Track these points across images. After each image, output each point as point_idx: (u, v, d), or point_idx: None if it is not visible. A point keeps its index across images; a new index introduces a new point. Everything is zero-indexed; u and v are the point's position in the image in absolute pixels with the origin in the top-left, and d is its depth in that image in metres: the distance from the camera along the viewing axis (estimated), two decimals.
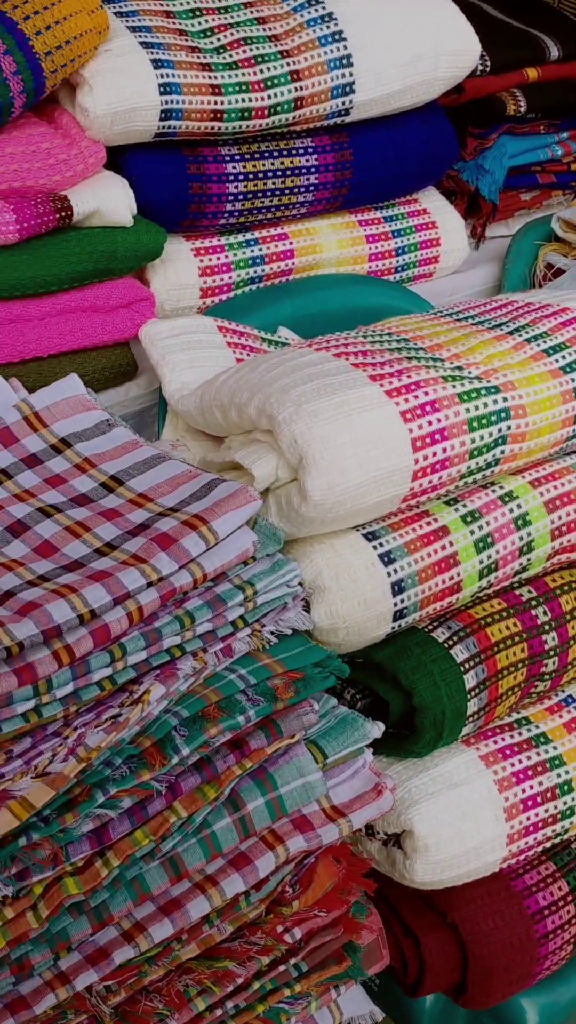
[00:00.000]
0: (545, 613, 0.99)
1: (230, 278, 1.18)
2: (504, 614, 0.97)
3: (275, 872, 0.81)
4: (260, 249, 1.20)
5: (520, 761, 0.99)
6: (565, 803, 1.00)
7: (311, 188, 1.20)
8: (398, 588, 0.89)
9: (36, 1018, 0.72)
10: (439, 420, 0.88)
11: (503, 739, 1.00)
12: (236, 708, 0.80)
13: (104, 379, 1.07)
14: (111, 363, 1.07)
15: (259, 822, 0.80)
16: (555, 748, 1.01)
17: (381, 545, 0.89)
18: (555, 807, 0.99)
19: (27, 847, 0.71)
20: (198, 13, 1.08)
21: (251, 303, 1.18)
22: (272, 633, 0.85)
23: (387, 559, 0.89)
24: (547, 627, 0.99)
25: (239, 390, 0.90)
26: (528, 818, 0.98)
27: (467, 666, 0.93)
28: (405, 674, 0.90)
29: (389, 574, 0.89)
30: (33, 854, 0.71)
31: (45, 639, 0.72)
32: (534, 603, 1.00)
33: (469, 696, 0.93)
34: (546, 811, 0.99)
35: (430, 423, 0.88)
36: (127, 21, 1.02)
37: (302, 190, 1.19)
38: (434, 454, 0.88)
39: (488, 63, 1.44)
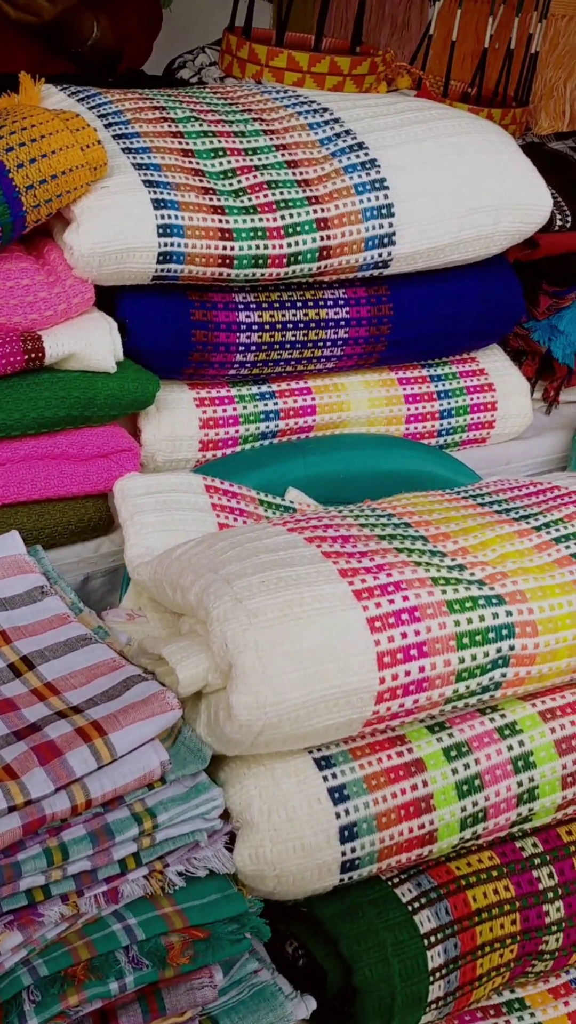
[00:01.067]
0: (550, 876, 0.80)
1: (236, 432, 1.07)
2: (495, 873, 0.79)
3: None
4: (276, 403, 1.09)
5: None
6: None
7: (339, 343, 1.08)
8: (348, 834, 0.72)
9: None
10: (418, 632, 0.73)
11: None
12: (111, 970, 0.64)
13: (71, 533, 0.96)
14: (80, 516, 0.96)
15: None
16: None
17: (334, 776, 0.73)
18: None
19: None
20: (221, 153, 1.00)
21: (257, 459, 1.06)
22: (180, 874, 0.69)
23: (339, 795, 0.73)
24: (551, 894, 0.80)
25: (186, 569, 0.77)
26: None
27: (433, 939, 0.75)
28: (348, 941, 0.73)
29: (339, 815, 0.72)
30: None
31: None
32: (537, 861, 0.81)
33: (432, 978, 0.74)
34: None
35: (404, 635, 0.73)
36: (134, 157, 0.95)
37: (328, 344, 1.08)
38: (407, 673, 0.72)
39: (569, 218, 1.33)
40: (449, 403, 1.21)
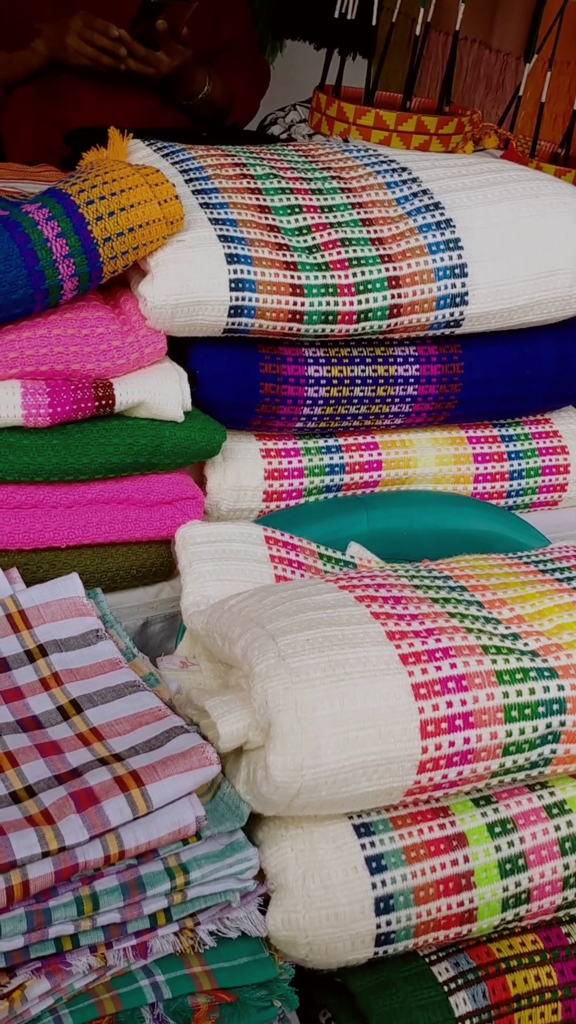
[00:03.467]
0: None
1: (301, 484, 1.07)
2: (538, 959, 0.76)
3: None
4: (342, 456, 1.09)
5: None
6: None
7: (408, 400, 1.08)
8: (385, 906, 0.71)
9: None
10: (464, 702, 0.71)
11: None
12: None
13: (131, 577, 0.97)
14: (142, 561, 0.97)
15: None
16: None
17: (373, 845, 0.72)
18: None
19: None
20: (297, 210, 1.02)
21: (320, 511, 1.06)
22: (212, 934, 0.68)
23: (376, 865, 0.71)
24: None
25: (236, 622, 0.77)
26: None
27: (469, 1023, 0.72)
28: (380, 1019, 0.71)
29: (375, 885, 0.71)
30: None
31: None
32: None
33: None
34: None
35: (451, 704, 0.71)
36: (212, 212, 0.97)
37: (397, 401, 1.08)
38: (452, 744, 0.71)
39: None
40: (520, 464, 1.19)
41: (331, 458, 1.09)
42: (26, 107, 2.07)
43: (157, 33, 1.82)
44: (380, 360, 1.06)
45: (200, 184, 1.02)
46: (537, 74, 1.63)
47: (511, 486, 1.19)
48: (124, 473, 0.95)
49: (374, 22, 1.52)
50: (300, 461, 1.07)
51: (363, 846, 0.71)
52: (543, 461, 1.21)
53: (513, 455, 1.19)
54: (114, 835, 0.65)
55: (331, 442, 1.09)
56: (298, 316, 0.98)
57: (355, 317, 1.00)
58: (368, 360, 1.06)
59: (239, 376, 1.00)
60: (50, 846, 0.63)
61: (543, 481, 1.21)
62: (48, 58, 1.93)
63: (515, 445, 1.20)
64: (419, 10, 1.80)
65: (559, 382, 1.19)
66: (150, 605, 1.00)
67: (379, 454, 1.11)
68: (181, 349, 1.00)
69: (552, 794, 0.77)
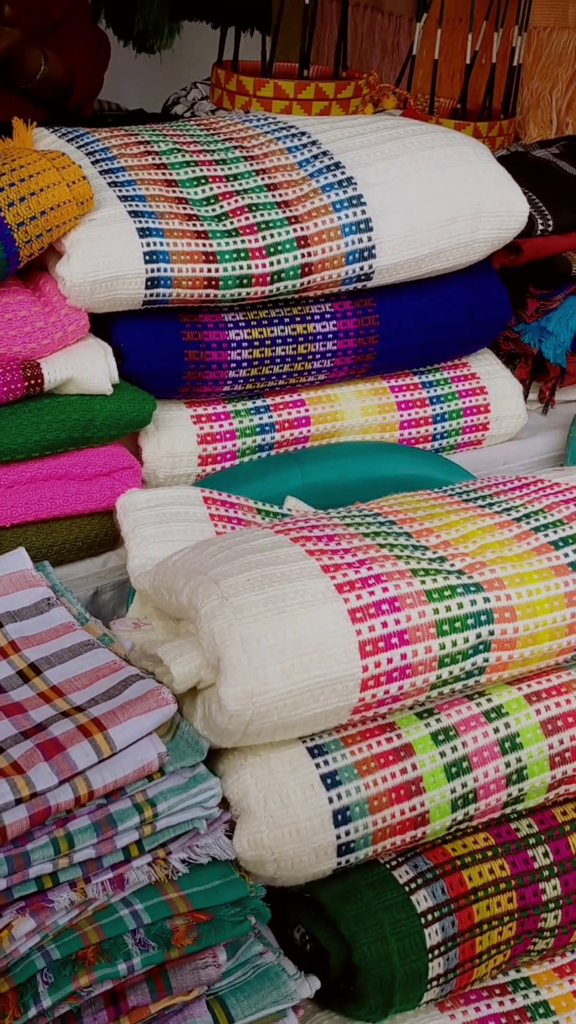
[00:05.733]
0: (546, 855, 0.83)
1: (234, 446, 1.11)
2: (489, 853, 0.82)
3: None
4: (271, 416, 1.13)
5: None
6: None
7: (328, 355, 1.13)
8: (343, 817, 0.76)
9: None
10: (397, 621, 0.77)
11: (488, 1006, 0.83)
12: (119, 952, 0.68)
13: (78, 549, 1.01)
14: (86, 533, 1.01)
15: None
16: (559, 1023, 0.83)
17: (326, 762, 0.77)
18: None
19: None
20: (203, 181, 1.06)
21: (255, 471, 1.10)
22: (184, 861, 0.73)
23: (331, 781, 0.76)
24: (547, 872, 0.82)
25: (179, 573, 0.81)
26: None
27: (431, 917, 0.77)
28: (347, 922, 0.76)
29: (331, 799, 0.76)
30: None
31: None
32: (532, 841, 0.84)
33: (431, 955, 0.77)
34: None
35: (385, 624, 0.76)
36: (120, 190, 1.01)
37: (318, 357, 1.12)
38: (390, 661, 0.76)
39: (551, 222, 1.36)
40: (442, 408, 1.25)
41: (260, 418, 1.13)
42: None
43: None
44: (298, 319, 1.11)
45: (107, 164, 1.05)
46: (429, 33, 1.68)
47: (435, 429, 1.25)
48: (60, 449, 0.98)
49: None
50: (231, 424, 1.11)
51: (317, 765, 0.76)
52: (464, 403, 1.27)
53: (434, 400, 1.25)
54: (82, 778, 0.69)
55: (259, 403, 1.14)
56: (214, 282, 1.02)
57: (268, 279, 1.04)
58: (286, 320, 1.10)
59: (163, 346, 1.04)
60: (22, 793, 0.67)
61: (465, 422, 1.27)
62: None
63: (436, 390, 1.25)
64: None
65: (473, 326, 1.24)
66: (98, 575, 1.04)
67: (306, 410, 1.16)
68: (103, 325, 1.04)
69: (489, 700, 0.82)
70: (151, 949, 0.69)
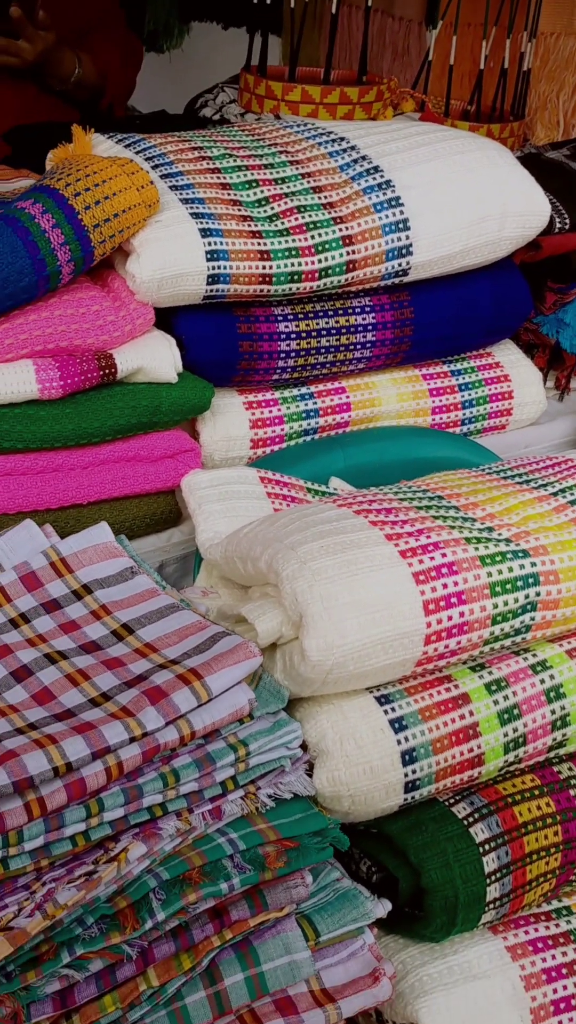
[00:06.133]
0: None
1: (282, 430, 1.20)
2: (536, 792, 0.91)
3: None
4: (315, 403, 1.22)
5: (553, 956, 0.91)
6: None
7: (368, 346, 1.22)
8: (409, 757, 0.85)
9: None
10: (456, 583, 0.86)
11: (536, 929, 0.92)
12: (220, 874, 0.77)
13: (146, 525, 1.09)
14: (153, 510, 1.09)
15: (236, 999, 0.76)
16: None
17: (393, 709, 0.86)
18: None
19: None
20: (254, 184, 1.14)
21: (302, 453, 1.19)
22: (270, 796, 0.82)
23: (399, 725, 0.85)
24: None
25: (255, 543, 0.90)
26: (560, 1023, 0.89)
27: (488, 847, 0.87)
28: (415, 851, 0.85)
29: (400, 742, 0.85)
30: None
31: (17, 789, 0.72)
32: (573, 782, 0.93)
33: (489, 880, 0.86)
34: None
35: (445, 586, 0.85)
36: (180, 193, 1.09)
37: (358, 347, 1.21)
38: (450, 618, 0.85)
39: (567, 220, 1.46)
40: (469, 395, 1.34)
41: (306, 404, 1.22)
42: None
43: (13, 21, 1.83)
44: (341, 312, 1.20)
45: (166, 169, 1.13)
46: (443, 38, 1.76)
47: (464, 415, 1.34)
48: (130, 433, 1.07)
49: (292, 4, 1.63)
50: (279, 410, 1.20)
51: (385, 711, 0.85)
52: (489, 390, 1.36)
53: (463, 387, 1.34)
54: (184, 720, 0.78)
55: (304, 390, 1.22)
56: (267, 278, 1.10)
57: (317, 275, 1.13)
58: (330, 313, 1.19)
59: (220, 337, 1.13)
60: (135, 732, 0.76)
61: (491, 408, 1.36)
62: None
63: (464, 378, 1.34)
64: None
65: (497, 317, 1.33)
66: (163, 549, 1.13)
67: (347, 397, 1.25)
68: (165, 319, 1.12)
69: (535, 655, 0.92)
70: (247, 871, 0.77)
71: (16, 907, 0.72)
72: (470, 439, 1.33)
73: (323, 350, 1.19)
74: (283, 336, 1.16)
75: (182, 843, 0.78)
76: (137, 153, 1.16)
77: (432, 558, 0.86)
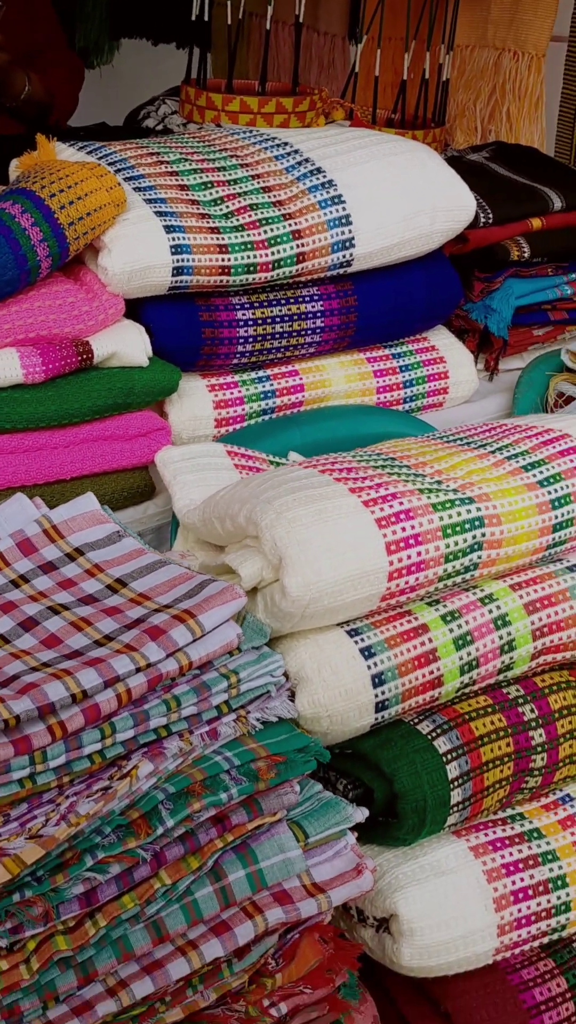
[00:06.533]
0: (532, 711, 1.05)
1: (243, 410, 1.31)
2: (489, 710, 1.03)
3: (257, 943, 0.87)
4: (271, 384, 1.33)
5: (511, 854, 1.03)
6: (559, 898, 1.03)
7: (317, 331, 1.33)
8: (378, 680, 0.96)
9: None
10: (413, 527, 0.97)
11: (494, 832, 1.04)
12: (220, 786, 0.87)
13: (123, 499, 1.19)
14: (129, 485, 1.19)
15: (239, 893, 0.86)
16: (548, 843, 1.05)
17: (362, 640, 0.97)
18: (548, 901, 1.02)
19: (21, 903, 0.78)
20: (209, 186, 1.25)
21: (262, 431, 1.30)
22: (258, 720, 0.92)
23: (368, 653, 0.97)
24: (534, 724, 1.04)
25: (232, 502, 1.00)
26: (519, 910, 1.01)
27: (449, 757, 0.98)
28: (387, 762, 0.96)
29: (369, 667, 0.96)
30: (27, 910, 0.79)
31: (40, 715, 0.81)
32: (520, 700, 1.05)
33: (452, 785, 0.98)
34: (538, 904, 1.02)
35: (403, 529, 0.97)
36: (144, 195, 1.20)
37: (309, 332, 1.33)
38: (408, 557, 0.97)
39: (491, 215, 1.59)
40: (409, 375, 1.46)
41: (263, 386, 1.33)
42: None
43: None
44: (292, 300, 1.31)
45: (128, 172, 1.24)
46: (367, 52, 1.90)
47: (405, 393, 1.46)
48: (106, 414, 1.17)
49: (229, 21, 1.75)
50: (239, 391, 1.31)
51: (356, 642, 0.97)
52: (427, 371, 1.48)
53: (403, 368, 1.46)
54: (182, 652, 0.88)
55: (261, 373, 1.34)
56: (226, 270, 1.21)
57: (270, 266, 1.24)
58: (283, 301, 1.30)
59: (184, 325, 1.23)
60: (139, 663, 0.86)
61: (429, 387, 1.49)
62: None
63: (403, 360, 1.47)
64: (257, 7, 2.04)
65: (431, 305, 1.46)
66: (140, 521, 1.23)
67: (300, 379, 1.36)
68: (133, 309, 1.22)
69: (482, 591, 1.04)
70: (243, 782, 0.88)
71: (43, 818, 0.81)
72: (412, 415, 1.45)
73: (277, 335, 1.30)
74: (241, 323, 1.27)
75: (184, 762, 0.88)
76: (100, 159, 1.26)
77: (391, 506, 0.98)
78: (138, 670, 0.86)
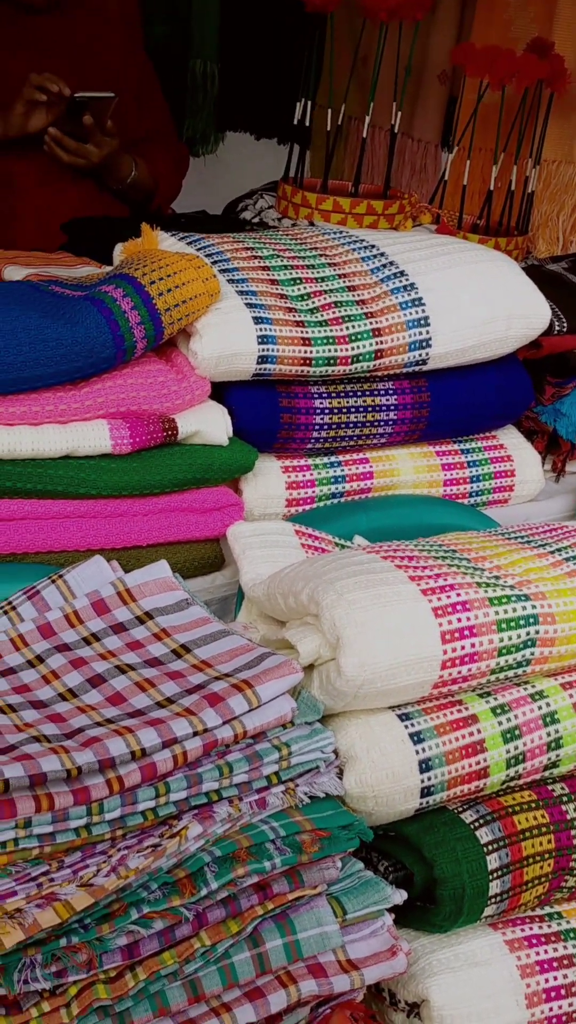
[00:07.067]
0: (575, 809, 1.06)
1: (313, 492, 1.36)
2: (533, 805, 1.05)
3: (289, 1012, 0.89)
4: (342, 470, 1.39)
5: (546, 951, 1.04)
6: None
7: (390, 423, 1.39)
8: (425, 766, 0.99)
9: None
10: (468, 618, 1.01)
11: (531, 928, 1.05)
12: (264, 855, 0.90)
13: (193, 568, 1.25)
14: (201, 555, 1.25)
15: (275, 961, 0.89)
16: None
17: (412, 725, 1.00)
18: None
19: (67, 948, 0.82)
20: (298, 281, 1.33)
21: (330, 514, 1.35)
22: (306, 794, 0.96)
23: (417, 738, 1.00)
24: None
25: (296, 580, 1.05)
26: (551, 1008, 1.01)
27: (490, 848, 1.00)
28: (429, 847, 0.99)
29: (417, 752, 0.99)
30: (72, 956, 0.82)
31: (100, 768, 0.86)
32: (565, 799, 1.07)
33: (491, 876, 0.99)
34: (570, 1004, 1.02)
35: (459, 620, 1.00)
36: (237, 286, 1.28)
37: (382, 424, 1.38)
38: (463, 647, 1.00)
39: (565, 324, 1.65)
40: (477, 471, 1.51)
41: (334, 471, 1.39)
42: None
43: (84, 128, 2.10)
44: (368, 393, 1.37)
45: (223, 265, 1.32)
46: (457, 161, 1.99)
47: (471, 488, 1.51)
48: (185, 487, 1.23)
49: (328, 126, 1.86)
50: (312, 474, 1.37)
51: (406, 726, 1.00)
52: (494, 468, 1.53)
53: (471, 463, 1.51)
54: (238, 721, 0.92)
55: (333, 459, 1.39)
56: (308, 361, 1.28)
57: (350, 360, 1.31)
58: (359, 393, 1.37)
59: (264, 410, 1.30)
60: (197, 728, 0.90)
61: (495, 483, 1.53)
62: (1, 136, 2.16)
63: (472, 456, 1.51)
64: (356, 112, 2.16)
65: (502, 405, 1.51)
66: (208, 590, 1.28)
67: (370, 467, 1.42)
68: (218, 391, 1.30)
69: (533, 687, 1.06)
70: (287, 853, 0.91)
71: (95, 868, 0.85)
72: (477, 510, 1.49)
73: (351, 424, 1.36)
74: (318, 411, 1.33)
75: (231, 828, 0.91)
76: (198, 250, 1.35)
77: (448, 596, 1.02)
78: (195, 734, 0.90)
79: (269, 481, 1.33)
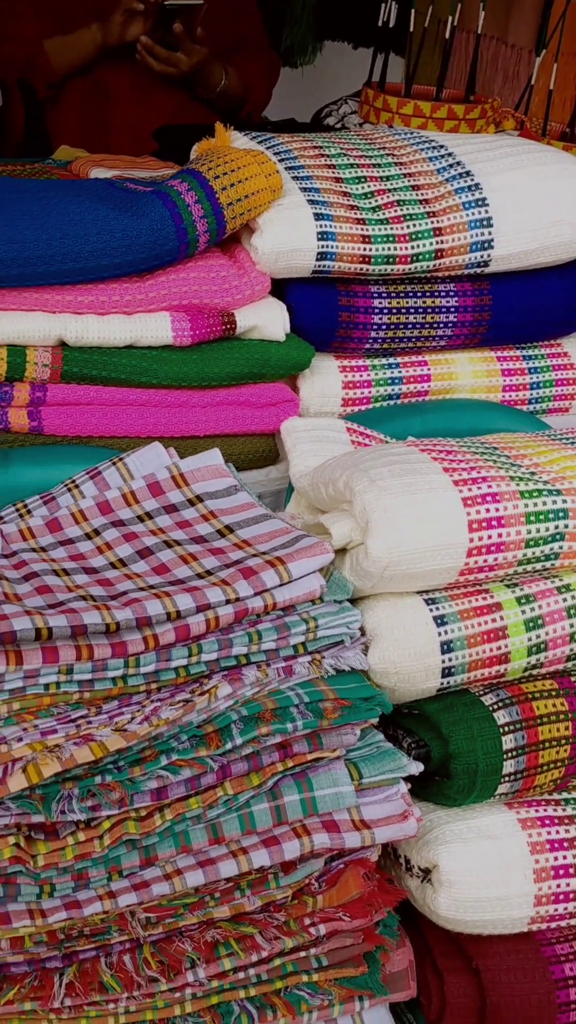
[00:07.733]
0: None
1: (370, 392, 1.39)
2: (553, 693, 1.09)
3: (303, 862, 0.96)
4: (400, 371, 1.41)
5: (558, 832, 1.09)
6: None
7: (450, 325, 1.41)
8: (447, 647, 1.04)
9: (84, 919, 0.90)
10: (498, 509, 1.04)
11: (545, 809, 1.10)
12: (287, 717, 0.97)
13: (248, 460, 1.30)
14: (256, 448, 1.30)
15: (292, 813, 0.96)
16: None
17: (437, 608, 1.05)
18: None
19: (102, 785, 0.91)
20: (363, 180, 1.34)
21: (385, 415, 1.39)
22: (331, 666, 1.02)
23: (440, 621, 1.04)
24: None
25: (336, 469, 1.10)
26: (559, 885, 1.07)
27: (507, 729, 1.05)
28: (447, 724, 1.04)
29: (440, 633, 1.04)
30: (107, 793, 0.91)
31: (138, 625, 0.94)
32: None
33: (506, 756, 1.04)
34: None
35: (488, 510, 1.04)
36: (300, 183, 1.30)
37: (441, 326, 1.40)
38: (489, 537, 1.04)
39: None
40: (537, 377, 1.51)
41: (392, 372, 1.41)
42: (74, 108, 2.39)
43: (175, 35, 2.12)
44: (428, 294, 1.39)
45: (290, 163, 1.35)
46: (546, 65, 1.94)
47: (531, 395, 1.51)
48: (242, 381, 1.28)
49: (411, 28, 1.84)
50: (369, 375, 1.40)
51: (430, 610, 1.05)
52: (556, 375, 1.53)
53: (532, 370, 1.51)
54: (269, 593, 0.99)
55: (391, 360, 1.42)
56: (367, 259, 1.30)
57: (409, 259, 1.32)
58: (419, 294, 1.38)
59: (323, 307, 1.33)
60: (230, 596, 0.97)
61: (556, 391, 1.53)
62: (101, 45, 2.20)
63: (534, 363, 1.52)
64: (448, 14, 2.12)
65: (567, 311, 1.51)
66: (261, 483, 1.34)
67: (428, 370, 1.44)
68: (278, 288, 1.33)
69: (560, 579, 1.09)
70: (309, 717, 0.97)
71: (130, 716, 0.93)
72: (534, 416, 1.50)
73: (410, 326, 1.38)
74: (377, 311, 1.35)
75: (259, 691, 0.98)
76: (267, 148, 1.38)
77: (479, 487, 1.05)
78: (228, 601, 0.97)
79: (326, 379, 1.37)
